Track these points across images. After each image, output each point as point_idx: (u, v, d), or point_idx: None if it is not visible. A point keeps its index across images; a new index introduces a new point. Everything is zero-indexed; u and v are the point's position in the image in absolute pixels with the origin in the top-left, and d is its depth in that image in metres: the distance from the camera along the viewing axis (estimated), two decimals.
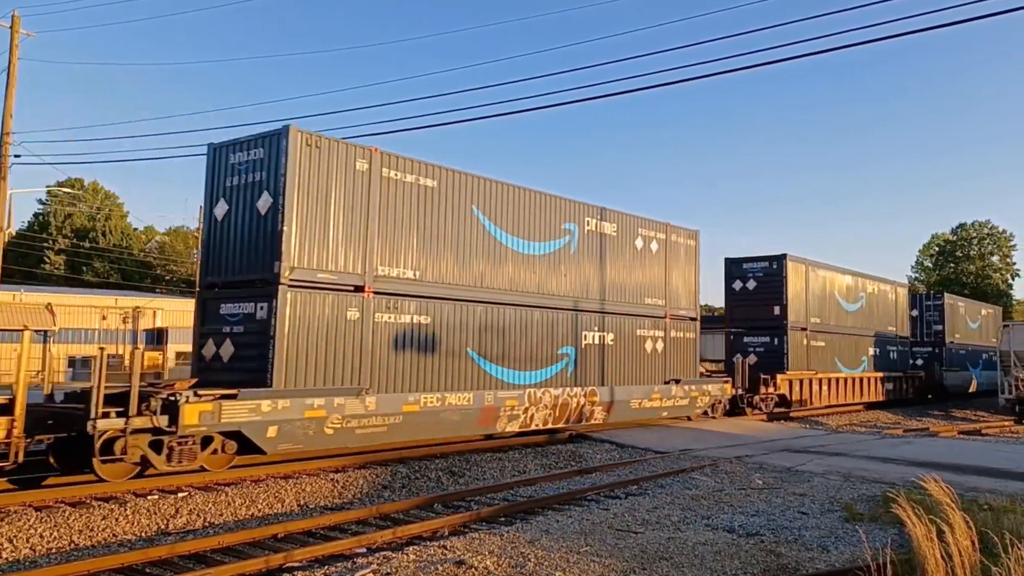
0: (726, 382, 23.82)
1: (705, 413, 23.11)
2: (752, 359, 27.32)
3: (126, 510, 10.03)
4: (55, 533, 9.10)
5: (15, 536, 8.85)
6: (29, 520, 9.38)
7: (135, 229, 75.03)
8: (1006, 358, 30.04)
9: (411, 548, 8.47)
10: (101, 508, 10.08)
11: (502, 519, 10.36)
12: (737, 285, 28.77)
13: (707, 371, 25.40)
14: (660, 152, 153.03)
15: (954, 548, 6.25)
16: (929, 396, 37.78)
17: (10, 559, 8.35)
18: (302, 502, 11.37)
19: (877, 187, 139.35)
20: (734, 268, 28.92)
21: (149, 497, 10.79)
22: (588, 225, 19.07)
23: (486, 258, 16.39)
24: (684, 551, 8.46)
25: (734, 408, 24.98)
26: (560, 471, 14.28)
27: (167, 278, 74.39)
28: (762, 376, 25.97)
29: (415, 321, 14.76)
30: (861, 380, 31.79)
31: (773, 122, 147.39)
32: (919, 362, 38.77)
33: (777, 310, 27.52)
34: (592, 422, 18.69)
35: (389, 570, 7.48)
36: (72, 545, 8.93)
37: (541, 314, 17.48)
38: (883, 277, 35.63)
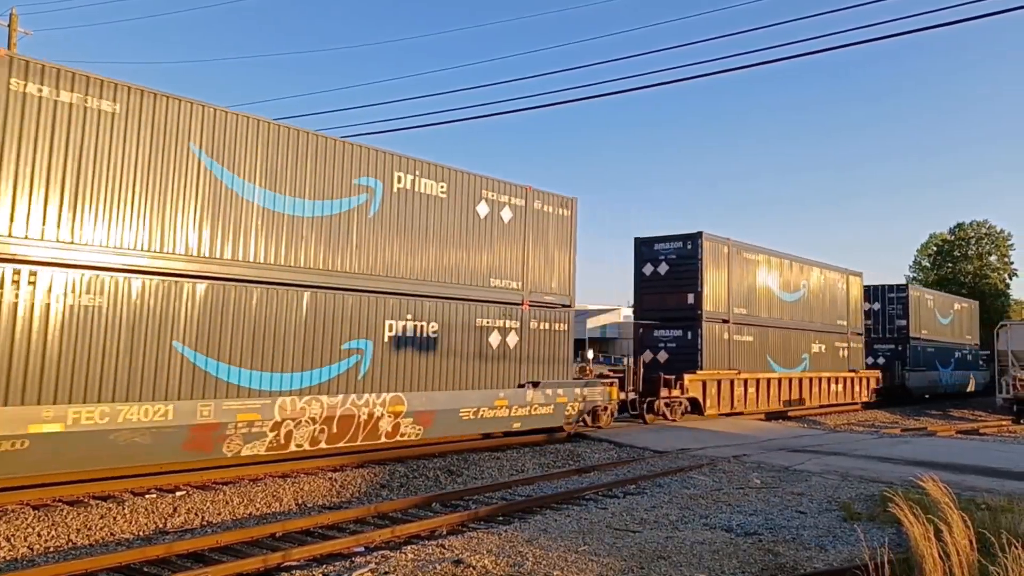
0: (611, 384, 19.68)
1: (582, 422, 19.24)
2: (663, 356, 24.15)
3: (124, 509, 10.03)
4: (53, 532, 9.10)
5: (13, 535, 8.84)
6: (27, 519, 9.37)
7: None
8: (1003, 358, 30.09)
9: (409, 547, 8.47)
10: (99, 507, 10.08)
11: (500, 518, 10.36)
12: (648, 269, 24.96)
13: (590, 372, 20.56)
14: (661, 152, 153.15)
15: (952, 547, 6.26)
16: (889, 398, 34.48)
17: (8, 558, 8.34)
18: (300, 501, 11.37)
19: (874, 187, 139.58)
20: (644, 249, 25.10)
21: (147, 496, 10.78)
22: (400, 182, 14.81)
23: (212, 217, 12.12)
24: (682, 550, 8.46)
25: (636, 415, 21.63)
26: (558, 470, 14.28)
27: None
28: (664, 376, 22.06)
29: (69, 303, 10.50)
30: (801, 381, 28.09)
31: (769, 122, 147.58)
32: (880, 360, 36.04)
33: (691, 298, 23.80)
34: (400, 439, 14.50)
35: (387, 569, 7.47)
36: (70, 544, 8.93)
37: (313, 296, 13.32)
38: (832, 264, 31.66)
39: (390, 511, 10.72)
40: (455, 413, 15.46)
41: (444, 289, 15.66)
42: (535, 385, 17.32)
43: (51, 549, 8.72)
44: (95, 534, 9.27)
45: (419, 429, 14.77)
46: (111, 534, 9.36)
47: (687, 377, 22.60)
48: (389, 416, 14.22)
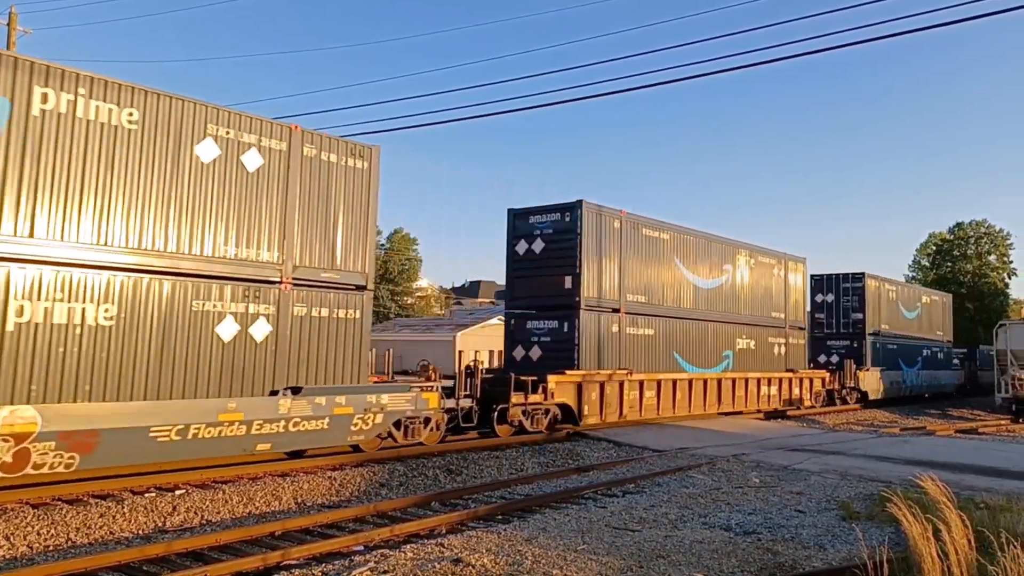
0: (427, 389, 15.25)
1: (389, 437, 14.76)
2: (536, 352, 19.91)
3: (123, 508, 10.03)
4: (52, 531, 9.10)
5: (12, 534, 8.85)
6: (26, 517, 9.37)
7: None
8: (1003, 357, 30.12)
9: (408, 546, 8.47)
10: (98, 506, 10.08)
11: (499, 517, 10.36)
12: (521, 247, 20.36)
13: (433, 377, 15.83)
14: (657, 152, 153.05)
15: (950, 547, 6.27)
16: (840, 401, 31.27)
17: (7, 556, 8.34)
18: (299, 500, 11.37)
19: (871, 187, 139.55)
20: (519, 223, 20.50)
21: (146, 495, 10.78)
22: (46, 102, 10.30)
23: None
24: (681, 549, 8.47)
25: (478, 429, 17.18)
26: (558, 469, 14.30)
27: None
28: (516, 378, 17.44)
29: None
30: (720, 383, 23.72)
31: (767, 122, 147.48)
32: (833, 359, 32.92)
33: (568, 282, 19.35)
34: (31, 474, 10.00)
35: (386, 568, 7.48)
36: (69, 543, 8.93)
37: None
38: (768, 248, 27.42)
39: (389, 510, 10.72)
40: (142, 433, 10.96)
41: (130, 257, 11.12)
42: (295, 391, 12.90)
43: (50, 548, 8.72)
44: (94, 533, 9.27)
45: (70, 458, 10.26)
46: (110, 533, 9.36)
47: (552, 379, 17.93)
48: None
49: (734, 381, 24.46)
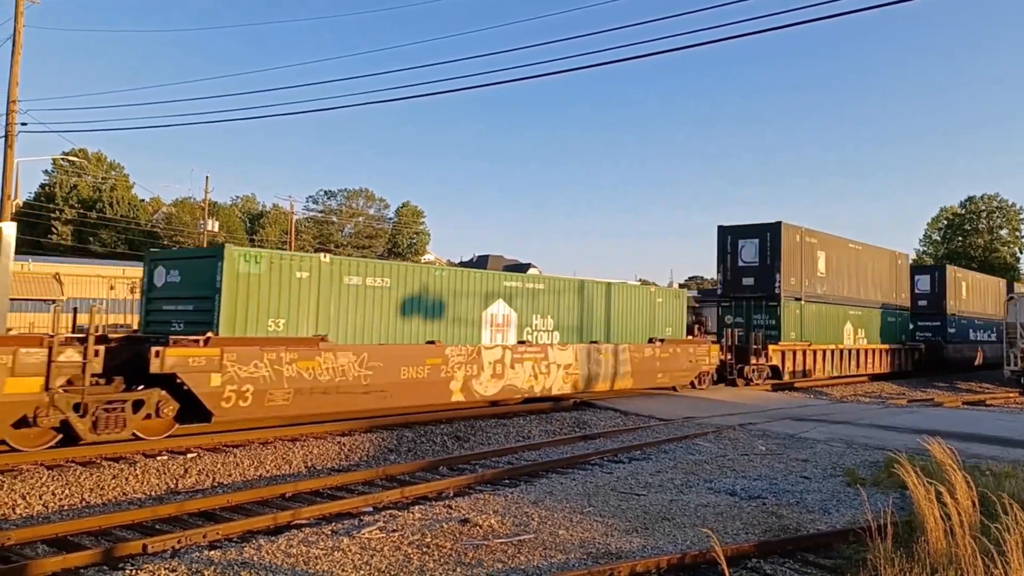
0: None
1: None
2: None
3: (136, 470, 10.18)
4: (67, 491, 9.25)
5: (28, 493, 9.00)
6: (41, 478, 9.53)
7: (142, 200, 75.08)
8: (1012, 330, 30.01)
9: (417, 507, 8.60)
10: (111, 467, 10.23)
11: (506, 481, 10.47)
12: None
13: None
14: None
15: (952, 509, 6.31)
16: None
17: (24, 515, 8.50)
18: (309, 464, 11.51)
19: (886, 161, 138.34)
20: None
21: (158, 458, 10.93)
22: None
23: None
24: (686, 512, 8.56)
25: None
26: (564, 436, 14.40)
27: (174, 249, 74.55)
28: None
29: None
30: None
31: (783, 100, 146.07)
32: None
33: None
34: None
35: (395, 527, 7.59)
36: (83, 503, 9.08)
37: None
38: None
39: (398, 474, 10.84)
40: None
41: None
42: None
43: (65, 507, 8.88)
44: (108, 493, 9.42)
45: None
46: (123, 494, 9.51)
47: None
48: None
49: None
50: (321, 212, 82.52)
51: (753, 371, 24.92)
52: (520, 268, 78.79)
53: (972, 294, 41.61)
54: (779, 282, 25.86)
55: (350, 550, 6.80)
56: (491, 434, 14.44)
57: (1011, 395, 27.60)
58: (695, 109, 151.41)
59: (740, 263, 27.08)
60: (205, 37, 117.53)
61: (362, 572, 6.28)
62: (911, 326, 36.96)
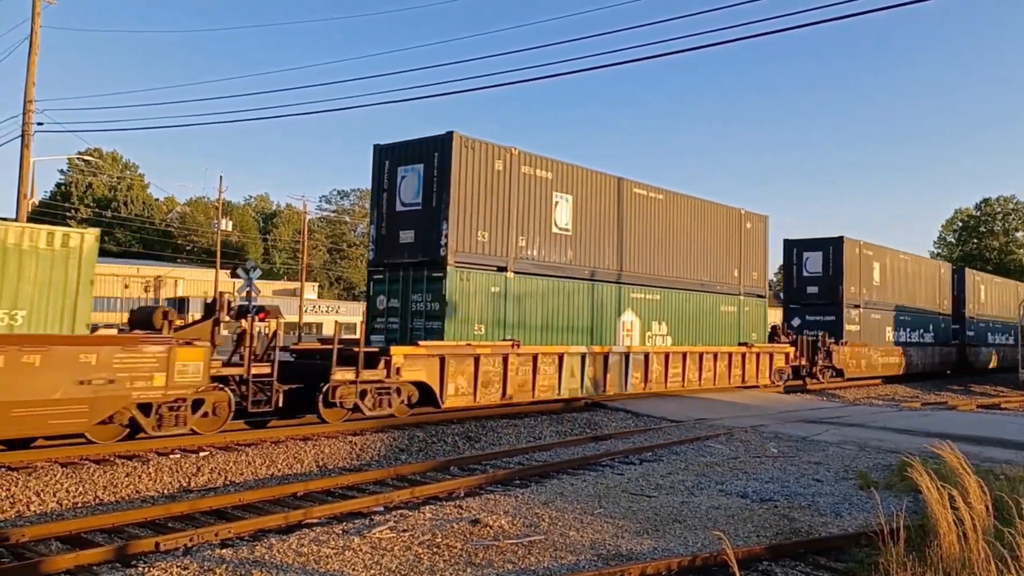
0: None
1: None
2: None
3: (149, 468, 10.25)
4: (80, 488, 9.32)
5: (42, 490, 9.08)
6: (55, 475, 9.61)
7: (156, 199, 75.59)
8: None
9: (427, 507, 8.61)
10: (124, 465, 10.30)
11: (517, 482, 10.47)
12: None
13: None
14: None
15: (965, 513, 6.25)
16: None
17: (38, 511, 8.58)
18: (321, 463, 11.55)
19: (897, 162, 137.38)
20: None
21: (171, 456, 11.00)
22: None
23: None
24: (697, 514, 8.53)
25: None
26: (575, 437, 14.39)
27: (188, 248, 74.98)
28: None
29: None
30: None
31: (796, 98, 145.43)
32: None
33: None
34: None
35: (406, 527, 7.60)
36: (96, 500, 9.15)
37: None
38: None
39: (409, 474, 10.87)
40: None
41: None
42: None
43: (79, 504, 8.95)
44: (120, 491, 9.49)
45: None
46: (136, 491, 9.58)
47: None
48: None
49: None
50: (334, 212, 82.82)
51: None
52: None
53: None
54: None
55: (361, 549, 6.83)
56: (502, 434, 14.45)
57: None
58: (707, 108, 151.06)
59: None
60: (220, 37, 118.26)
61: (372, 571, 6.30)
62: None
